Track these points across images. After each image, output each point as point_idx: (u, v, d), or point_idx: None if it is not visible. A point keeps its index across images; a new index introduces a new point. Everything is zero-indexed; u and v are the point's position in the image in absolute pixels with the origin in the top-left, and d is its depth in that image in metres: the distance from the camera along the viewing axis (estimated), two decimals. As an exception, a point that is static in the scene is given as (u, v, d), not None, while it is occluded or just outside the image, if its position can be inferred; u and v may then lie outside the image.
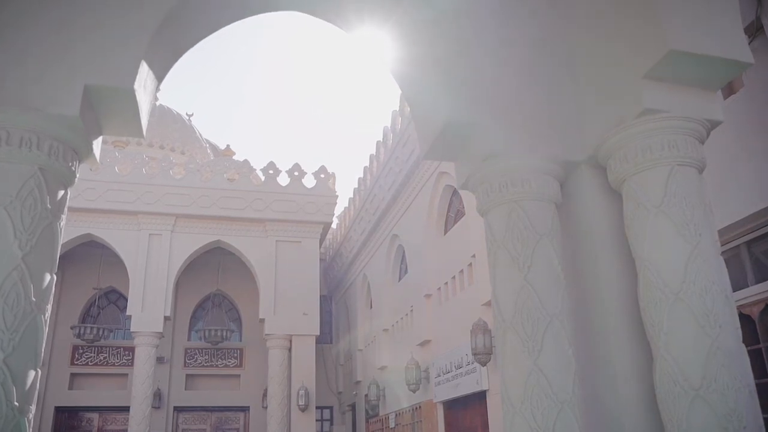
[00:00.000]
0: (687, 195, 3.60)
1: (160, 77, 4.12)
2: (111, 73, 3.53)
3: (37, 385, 3.23)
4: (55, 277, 3.42)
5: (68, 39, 3.55)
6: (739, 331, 3.44)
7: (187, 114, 25.48)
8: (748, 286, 6.11)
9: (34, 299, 3.19)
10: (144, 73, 3.74)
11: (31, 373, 3.15)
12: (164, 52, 4.02)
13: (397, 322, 15.57)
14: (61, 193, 3.51)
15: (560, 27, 4.33)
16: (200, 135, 25.19)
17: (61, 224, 3.50)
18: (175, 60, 4.26)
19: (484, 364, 9.99)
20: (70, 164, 3.56)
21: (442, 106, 4.30)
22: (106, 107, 3.68)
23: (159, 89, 4.18)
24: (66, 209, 3.59)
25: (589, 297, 4.03)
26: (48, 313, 3.32)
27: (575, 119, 4.24)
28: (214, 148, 25.65)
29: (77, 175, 3.65)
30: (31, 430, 3.16)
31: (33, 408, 3.19)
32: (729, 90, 6.43)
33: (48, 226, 3.35)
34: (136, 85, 3.60)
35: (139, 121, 3.85)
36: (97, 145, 3.86)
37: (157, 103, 24.42)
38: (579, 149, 4.19)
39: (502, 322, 3.88)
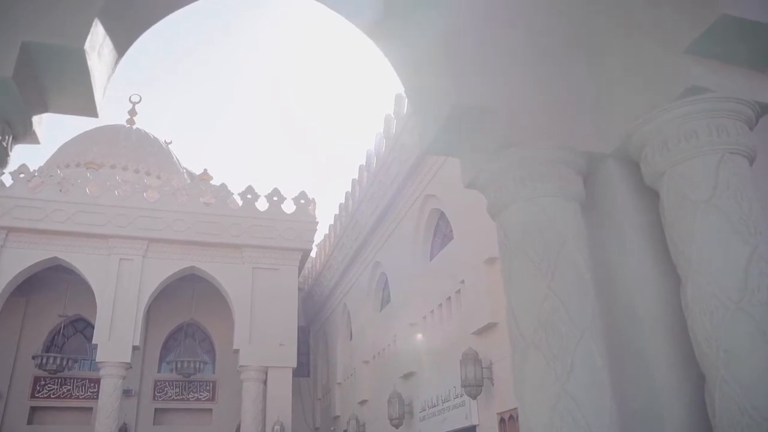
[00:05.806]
0: (741, 187, 3.07)
1: (120, 49, 3.50)
2: (56, 29, 2.92)
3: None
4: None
5: (4, -14, 2.95)
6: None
7: (165, 141, 24.79)
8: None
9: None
10: (99, 35, 3.13)
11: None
12: (126, 17, 3.42)
13: (378, 353, 14.84)
14: (-12, 173, 2.87)
15: (583, 1, 3.81)
16: (177, 160, 24.48)
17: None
18: (141, 30, 3.65)
19: (474, 397, 9.31)
20: (1, 139, 2.92)
21: (449, 89, 3.72)
22: (51, 73, 3.06)
23: (118, 63, 3.54)
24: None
25: (620, 308, 3.44)
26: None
27: (600, 105, 3.71)
28: (191, 174, 24.91)
29: (10, 154, 3.02)
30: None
31: None
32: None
33: (-33, 211, 2.69)
34: (88, 47, 2.99)
35: (91, 95, 3.23)
36: (39, 122, 3.22)
37: (134, 127, 23.79)
38: (605, 140, 3.66)
39: (521, 338, 3.26)
